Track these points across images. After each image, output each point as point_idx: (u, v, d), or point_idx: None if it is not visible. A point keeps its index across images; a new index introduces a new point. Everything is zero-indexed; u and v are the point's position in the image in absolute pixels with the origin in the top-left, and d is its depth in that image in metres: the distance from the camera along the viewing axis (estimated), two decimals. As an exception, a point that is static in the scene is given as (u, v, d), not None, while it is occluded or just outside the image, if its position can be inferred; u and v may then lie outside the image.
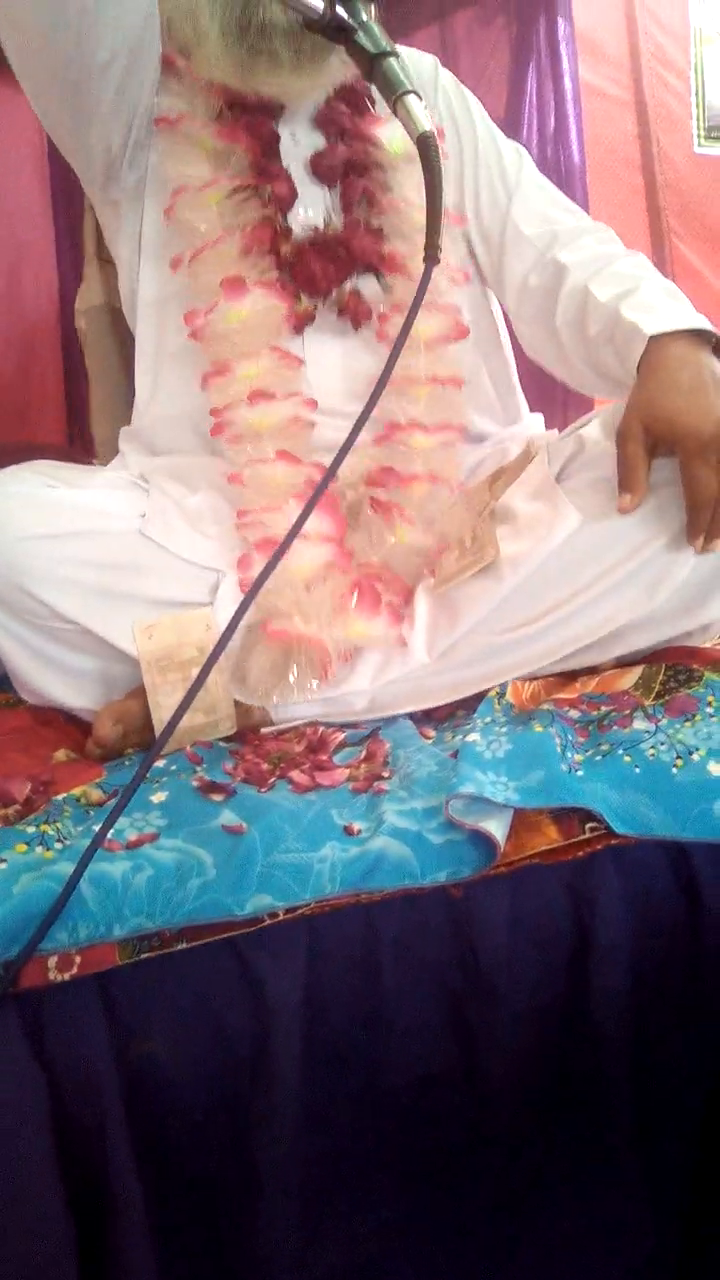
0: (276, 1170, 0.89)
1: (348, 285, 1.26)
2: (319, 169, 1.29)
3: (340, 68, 1.16)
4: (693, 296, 1.25)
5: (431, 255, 0.93)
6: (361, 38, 1.05)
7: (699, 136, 3.11)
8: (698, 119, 3.11)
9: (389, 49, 1.04)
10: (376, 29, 1.06)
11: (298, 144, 1.30)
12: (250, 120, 1.26)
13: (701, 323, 1.11)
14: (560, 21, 2.57)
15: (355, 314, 1.26)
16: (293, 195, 1.27)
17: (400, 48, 1.36)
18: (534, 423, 1.44)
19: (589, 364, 1.25)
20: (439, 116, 1.38)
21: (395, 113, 1.01)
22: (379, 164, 1.29)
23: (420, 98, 1.01)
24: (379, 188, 1.28)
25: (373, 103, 1.33)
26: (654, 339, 1.10)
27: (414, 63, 1.38)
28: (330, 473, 0.91)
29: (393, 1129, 0.91)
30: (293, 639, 1.08)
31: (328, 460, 1.18)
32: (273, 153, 1.27)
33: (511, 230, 1.33)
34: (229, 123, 1.25)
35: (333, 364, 1.26)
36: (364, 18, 1.07)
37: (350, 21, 1.05)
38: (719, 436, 1.00)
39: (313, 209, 1.28)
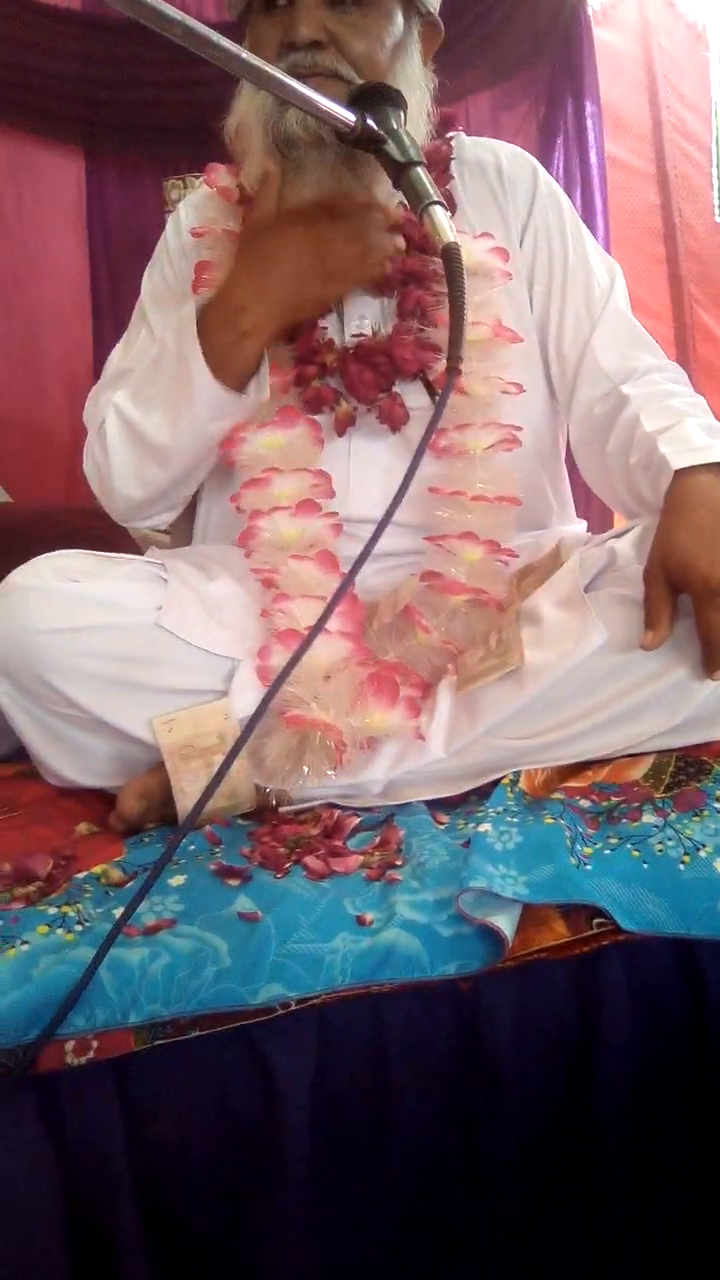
0: (281, 1251, 0.90)
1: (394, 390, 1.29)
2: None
3: (359, 184, 1.21)
4: (714, 363, 1.28)
5: (453, 366, 0.96)
6: (390, 147, 1.10)
7: (719, 207, 3.17)
8: (718, 189, 3.17)
9: (416, 159, 1.08)
10: (406, 138, 1.10)
11: None
12: None
13: None
14: (587, 101, 2.63)
15: (391, 417, 1.28)
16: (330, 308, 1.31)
17: (502, 145, 1.43)
18: (575, 526, 1.46)
19: (630, 492, 1.27)
20: (534, 230, 1.38)
21: (420, 221, 1.05)
22: (440, 277, 1.28)
23: (445, 208, 1.05)
24: (436, 300, 1.29)
25: (453, 211, 1.34)
26: (681, 473, 1.11)
27: (512, 166, 1.40)
28: (356, 567, 0.93)
29: (396, 1217, 0.92)
30: (308, 724, 1.10)
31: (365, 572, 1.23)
32: None
33: (590, 360, 1.33)
34: None
35: (376, 470, 1.30)
36: (394, 126, 1.11)
37: (379, 131, 1.10)
38: None
39: (368, 317, 1.32)
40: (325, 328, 1.32)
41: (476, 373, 1.28)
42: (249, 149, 1.25)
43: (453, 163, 1.39)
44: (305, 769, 1.11)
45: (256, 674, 1.15)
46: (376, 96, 1.14)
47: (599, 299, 1.36)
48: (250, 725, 0.90)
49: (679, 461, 1.12)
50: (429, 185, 1.06)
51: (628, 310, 1.38)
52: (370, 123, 1.09)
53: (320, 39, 1.18)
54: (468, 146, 1.41)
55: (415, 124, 1.25)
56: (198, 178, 2.39)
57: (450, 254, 1.00)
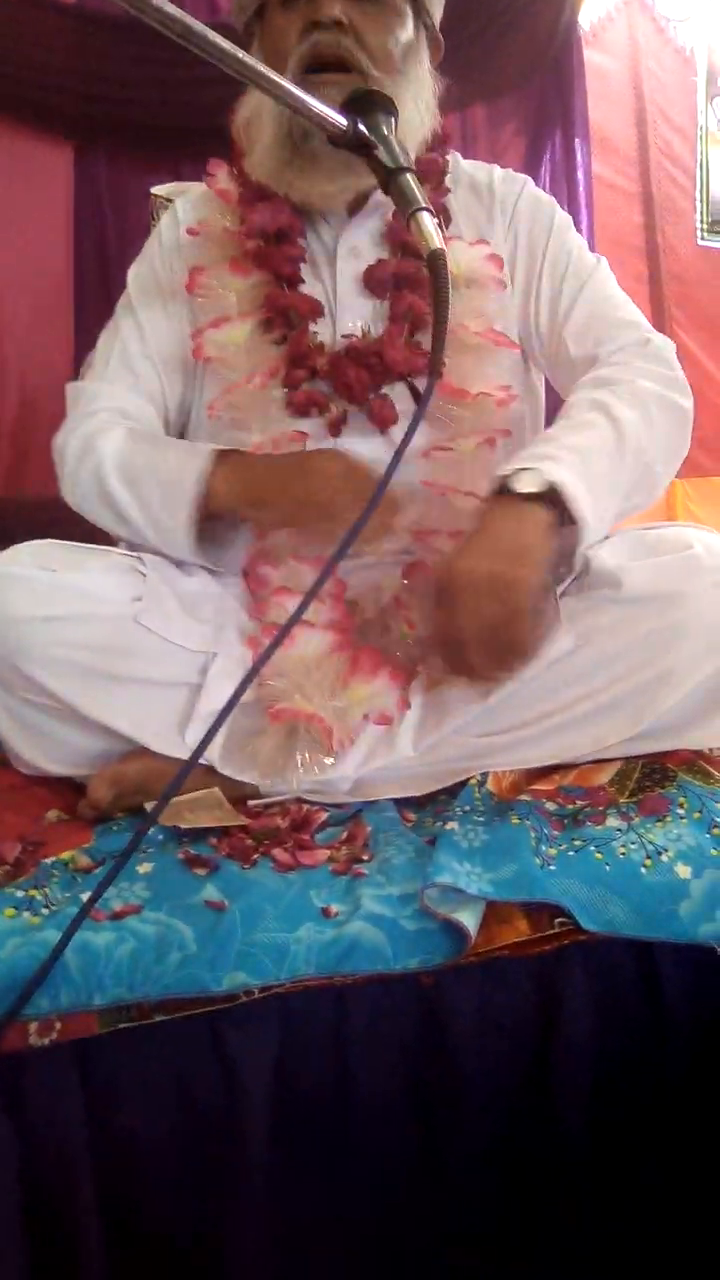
0: (242, 1242, 0.91)
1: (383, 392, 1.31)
2: (369, 282, 1.34)
3: (368, 176, 1.18)
4: (695, 385, 1.29)
5: (435, 370, 0.97)
6: (381, 153, 1.11)
7: (702, 229, 3.22)
8: (701, 213, 3.21)
9: (405, 165, 1.10)
10: (395, 145, 1.11)
11: (358, 258, 1.35)
12: (271, 250, 1.32)
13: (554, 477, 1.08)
14: (575, 123, 2.67)
15: (381, 418, 1.30)
16: (316, 309, 1.33)
17: (495, 167, 1.45)
18: None
19: None
20: (515, 233, 1.39)
21: (408, 227, 1.07)
22: None
23: (433, 214, 1.06)
24: (429, 305, 1.29)
25: (447, 223, 1.38)
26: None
27: (503, 184, 1.42)
28: (335, 558, 0.94)
29: (358, 1217, 0.93)
30: (294, 716, 1.13)
31: (348, 569, 1.25)
32: (294, 277, 1.33)
33: (563, 353, 1.34)
34: (248, 258, 1.33)
35: None
36: (385, 133, 1.13)
37: (370, 137, 1.11)
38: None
39: (359, 320, 1.34)
40: (317, 331, 1.33)
41: (469, 377, 1.30)
42: (257, 140, 1.29)
43: (448, 177, 1.41)
44: (299, 762, 1.13)
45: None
46: (369, 103, 1.15)
47: (568, 293, 1.36)
48: (228, 706, 0.90)
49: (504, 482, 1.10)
50: (418, 191, 1.07)
51: (610, 293, 1.38)
52: (362, 128, 1.11)
53: (343, 20, 1.22)
54: (464, 165, 1.44)
55: (422, 118, 1.31)
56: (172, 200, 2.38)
57: (435, 259, 1.01)
